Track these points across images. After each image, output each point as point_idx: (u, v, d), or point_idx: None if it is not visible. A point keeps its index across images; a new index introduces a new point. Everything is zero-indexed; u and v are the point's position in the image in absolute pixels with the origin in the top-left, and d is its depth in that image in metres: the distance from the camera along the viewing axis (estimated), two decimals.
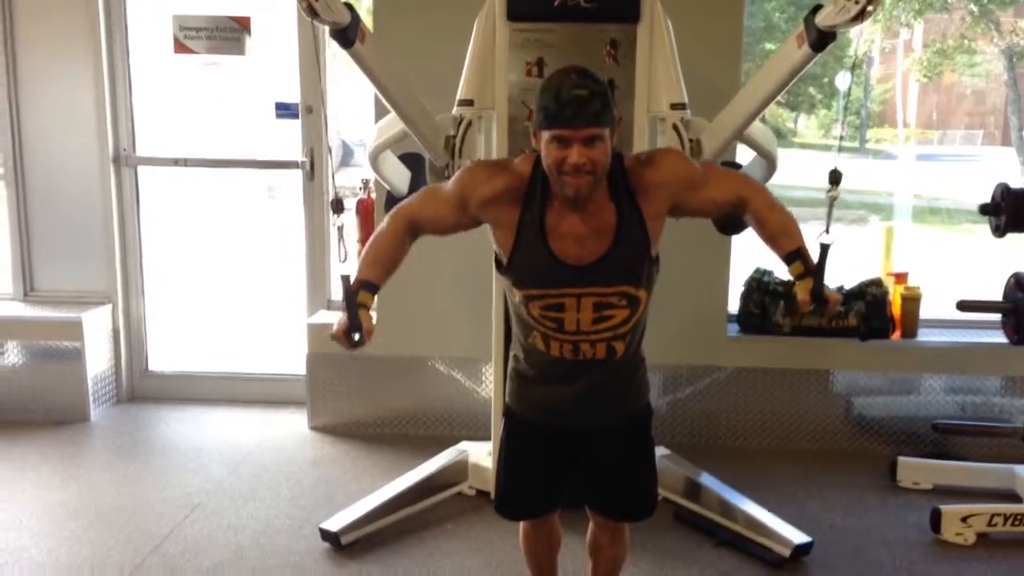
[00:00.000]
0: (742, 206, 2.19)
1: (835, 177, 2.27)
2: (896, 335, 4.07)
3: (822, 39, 2.49)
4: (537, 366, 2.22)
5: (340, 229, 2.31)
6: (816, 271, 2.13)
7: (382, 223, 2.22)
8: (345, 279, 2.13)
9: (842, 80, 9.92)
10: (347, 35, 2.50)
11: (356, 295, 2.12)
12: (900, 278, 4.13)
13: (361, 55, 2.62)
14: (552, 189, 2.08)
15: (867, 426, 4.08)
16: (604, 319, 2.11)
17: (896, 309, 4.07)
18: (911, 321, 4.05)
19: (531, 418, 2.28)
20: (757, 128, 3.09)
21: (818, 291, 2.10)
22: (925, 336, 4.11)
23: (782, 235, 2.17)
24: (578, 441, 2.28)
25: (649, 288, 2.16)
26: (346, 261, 2.21)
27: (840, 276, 4.44)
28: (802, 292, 2.11)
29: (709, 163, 2.24)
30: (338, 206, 2.32)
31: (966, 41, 11.79)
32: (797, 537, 3.13)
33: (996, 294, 3.59)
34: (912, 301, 4.04)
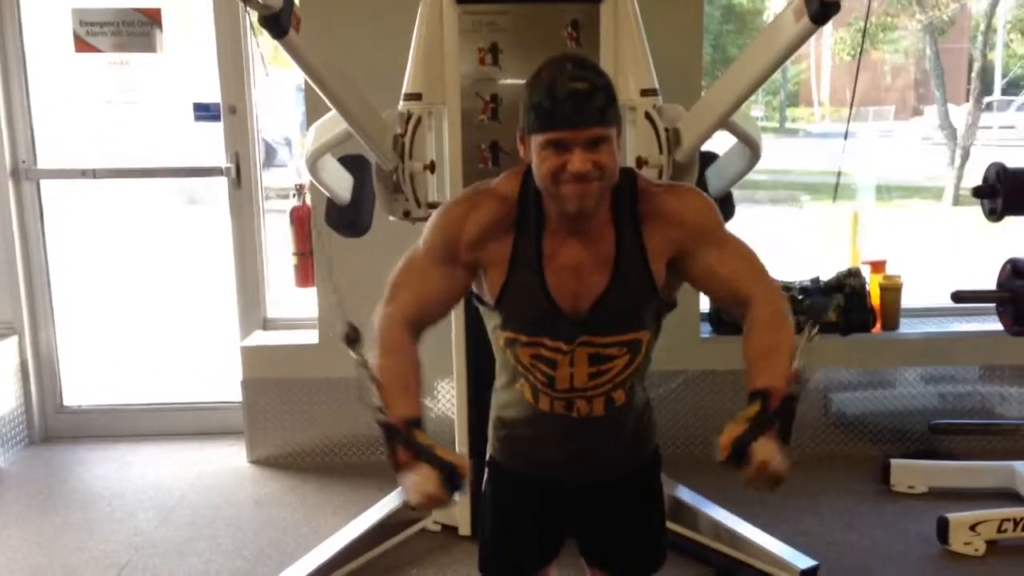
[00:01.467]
0: (744, 303, 1.75)
1: (817, 312, 1.84)
2: (877, 328, 3.85)
3: (825, 10, 2.19)
4: (525, 419, 1.87)
5: (365, 363, 1.72)
6: (768, 423, 1.60)
7: (378, 341, 1.75)
8: (388, 428, 1.67)
9: None
10: (279, 22, 2.12)
11: (415, 438, 1.65)
12: (877, 267, 3.91)
13: (295, 45, 2.24)
14: (547, 210, 1.72)
15: (852, 425, 3.86)
16: (601, 373, 1.78)
17: (875, 300, 3.84)
18: (892, 312, 3.83)
19: (520, 472, 1.93)
20: (738, 112, 2.80)
21: (745, 444, 1.58)
22: (906, 327, 3.90)
23: (762, 363, 1.68)
24: (576, 497, 1.93)
25: (655, 329, 1.82)
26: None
27: (811, 264, 4.22)
28: (729, 434, 1.60)
29: (735, 235, 1.84)
30: (355, 335, 1.75)
31: (889, 18, 11.83)
32: (801, 561, 2.87)
33: (960, 274, 3.36)
34: (892, 291, 3.83)
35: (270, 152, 6.91)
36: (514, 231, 1.73)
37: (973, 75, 11.04)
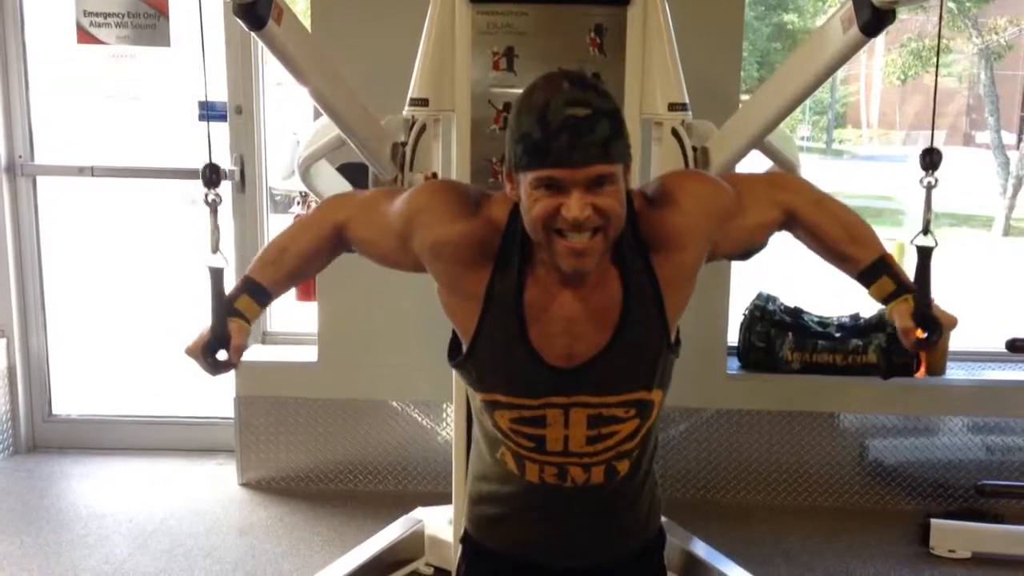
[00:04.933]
0: (785, 211, 1.58)
1: (933, 160, 1.69)
2: (921, 372, 3.53)
3: (878, 19, 1.91)
4: (507, 492, 1.59)
5: (213, 204, 1.73)
6: (918, 285, 1.56)
7: (307, 214, 1.66)
8: (216, 272, 1.63)
9: None
10: (256, 11, 1.88)
11: (235, 298, 1.60)
12: None
13: (277, 40, 2.01)
14: (534, 252, 1.44)
15: (890, 477, 3.53)
16: (603, 437, 1.49)
17: None
18: (938, 356, 3.51)
19: (500, 551, 1.65)
20: (776, 132, 2.52)
21: (924, 311, 1.52)
22: (953, 372, 3.58)
23: (851, 243, 1.57)
24: None
25: (666, 386, 1.55)
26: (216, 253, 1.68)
27: (848, 300, 3.92)
28: (902, 317, 1.52)
29: (732, 174, 1.61)
30: (214, 176, 1.73)
31: (945, 41, 11.45)
32: None
33: (1012, 313, 3.06)
34: None
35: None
36: (493, 264, 1.46)
37: None
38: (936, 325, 1.52)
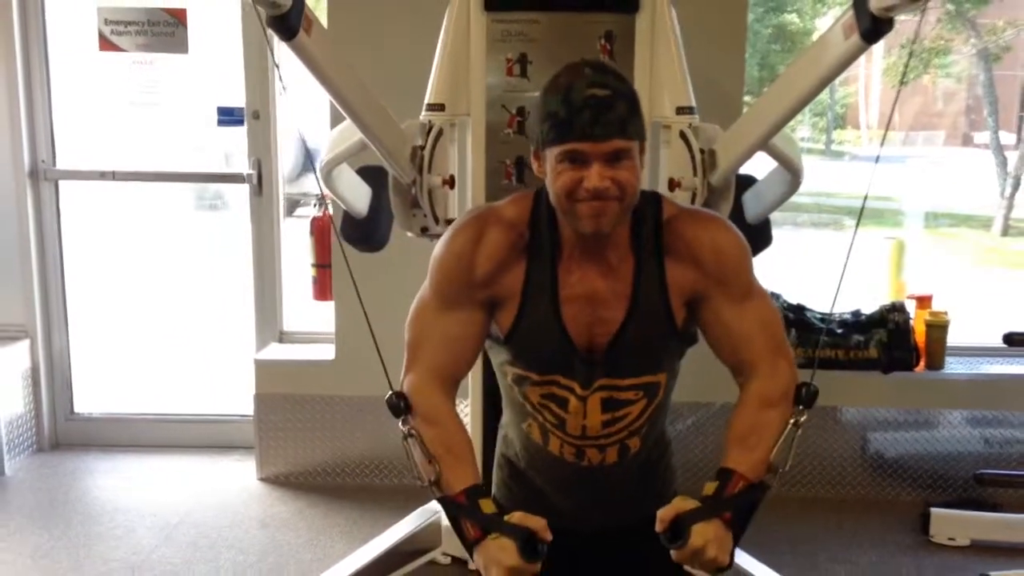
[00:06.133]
0: (747, 371, 1.63)
1: (808, 398, 1.64)
2: (921, 366, 3.63)
3: (877, 27, 2.01)
4: (532, 461, 1.73)
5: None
6: (719, 506, 1.53)
7: (416, 410, 1.61)
8: (450, 503, 1.55)
9: None
10: (289, 22, 1.98)
11: (480, 510, 1.53)
12: (924, 302, 3.70)
13: (307, 49, 2.10)
14: (562, 234, 1.57)
15: (890, 468, 3.64)
16: (616, 420, 1.62)
17: (920, 337, 3.63)
18: (938, 351, 3.61)
19: None
20: (779, 134, 2.62)
21: (685, 521, 1.50)
22: (952, 367, 3.68)
23: (738, 442, 1.59)
24: (585, 544, 1.75)
25: (671, 370, 1.67)
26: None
27: (851, 297, 4.02)
28: (671, 508, 1.52)
29: (763, 291, 1.68)
30: (400, 406, 1.64)
31: (943, 42, 11.53)
32: None
33: (1010, 309, 3.16)
34: (938, 328, 3.60)
35: (310, 155, 6.81)
36: (526, 259, 1.59)
37: None
38: (680, 537, 1.51)
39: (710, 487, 1.56)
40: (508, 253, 1.59)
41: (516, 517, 1.53)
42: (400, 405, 1.61)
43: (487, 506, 1.55)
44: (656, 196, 1.64)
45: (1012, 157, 10.73)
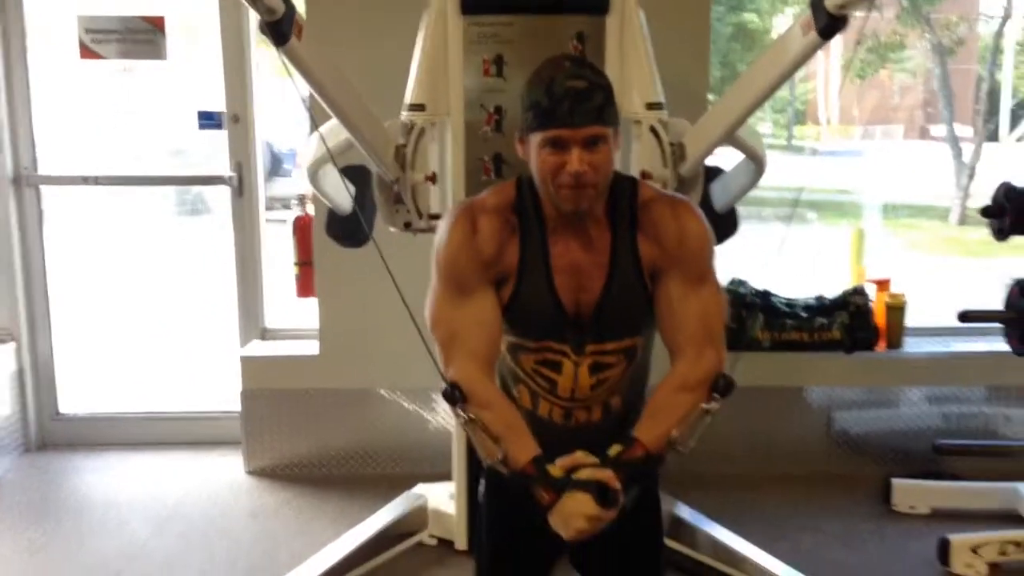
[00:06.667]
0: (676, 352, 1.77)
1: (723, 388, 1.75)
2: (881, 346, 3.81)
3: (833, 24, 2.17)
4: None
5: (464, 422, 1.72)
6: (616, 468, 1.67)
7: (471, 398, 1.71)
8: (522, 475, 1.68)
9: None
10: (281, 29, 2.10)
11: (550, 475, 1.66)
12: (883, 285, 3.88)
13: (297, 53, 2.22)
14: (546, 213, 1.74)
15: (855, 444, 3.81)
16: (601, 383, 1.79)
17: (880, 319, 3.80)
18: (896, 331, 3.79)
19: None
20: (744, 127, 2.77)
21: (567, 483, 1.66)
22: (910, 346, 3.86)
23: (651, 418, 1.73)
24: None
25: (648, 334, 1.83)
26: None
27: (814, 283, 4.19)
28: (568, 459, 1.69)
29: (716, 283, 1.83)
30: (455, 396, 1.73)
31: (898, 37, 11.81)
32: None
33: (966, 294, 3.33)
34: (897, 310, 3.79)
35: (276, 162, 6.89)
36: (518, 238, 1.74)
37: (980, 95, 11.04)
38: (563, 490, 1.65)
39: (614, 449, 1.70)
40: (502, 234, 1.74)
41: (584, 473, 1.66)
42: (455, 395, 1.71)
43: (555, 471, 1.67)
44: (634, 180, 1.80)
45: (968, 149, 11.01)
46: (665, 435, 1.71)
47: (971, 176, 10.96)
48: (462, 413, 1.71)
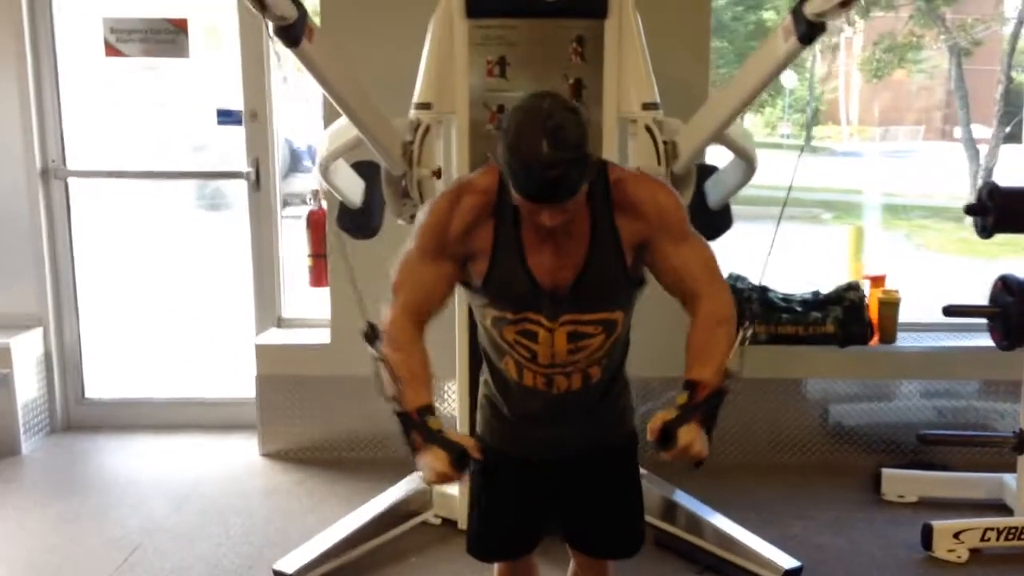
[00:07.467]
0: (692, 298, 1.91)
1: (753, 316, 1.95)
2: (875, 340, 3.92)
3: (811, 30, 2.30)
4: (509, 396, 2.02)
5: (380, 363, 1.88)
6: (694, 411, 1.82)
7: (387, 339, 1.89)
8: (404, 417, 1.86)
9: (788, 78, 9.88)
10: (293, 32, 2.25)
11: (426, 424, 1.84)
12: (877, 281, 3.99)
13: (309, 55, 2.38)
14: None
15: (846, 436, 3.93)
16: (579, 349, 1.91)
17: (874, 314, 3.92)
18: (890, 326, 3.90)
19: (505, 450, 2.06)
20: (735, 127, 2.91)
21: (671, 427, 1.80)
22: (904, 341, 3.97)
23: (699, 357, 1.87)
24: (557, 474, 2.07)
25: (627, 309, 1.96)
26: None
27: (811, 279, 4.31)
28: (656, 419, 1.81)
29: (699, 235, 1.98)
30: (372, 335, 1.91)
31: (915, 38, 11.85)
32: (785, 561, 2.95)
33: (966, 291, 3.44)
34: (890, 305, 3.90)
35: (295, 158, 7.04)
36: (494, 219, 1.87)
37: (997, 97, 11.04)
38: (669, 440, 1.80)
39: (682, 398, 1.85)
40: (478, 215, 1.87)
41: (453, 436, 1.86)
42: (371, 333, 1.90)
43: (433, 423, 1.85)
44: (603, 162, 1.91)
45: (984, 150, 11.00)
46: (720, 369, 1.85)
47: (988, 177, 10.96)
48: (373, 351, 1.88)
